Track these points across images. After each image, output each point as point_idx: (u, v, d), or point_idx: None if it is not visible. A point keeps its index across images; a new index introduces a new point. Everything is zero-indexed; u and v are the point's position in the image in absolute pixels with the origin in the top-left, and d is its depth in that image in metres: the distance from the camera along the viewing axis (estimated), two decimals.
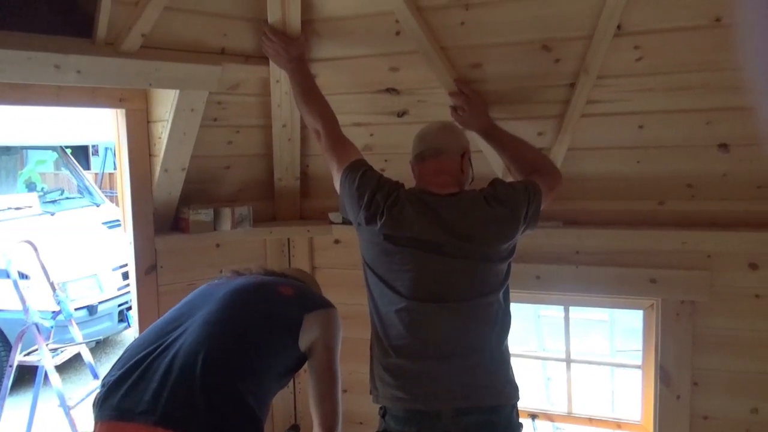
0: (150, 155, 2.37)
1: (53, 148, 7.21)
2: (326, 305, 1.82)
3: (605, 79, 2.09)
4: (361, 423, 2.71)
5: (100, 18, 1.89)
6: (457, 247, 1.74)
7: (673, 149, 2.19)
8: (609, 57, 2.01)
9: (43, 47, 1.83)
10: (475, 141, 2.19)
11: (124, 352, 1.56)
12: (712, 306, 2.26)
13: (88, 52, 1.90)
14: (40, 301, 4.03)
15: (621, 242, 2.34)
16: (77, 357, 4.00)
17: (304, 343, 1.68)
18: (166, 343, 1.52)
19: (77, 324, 3.95)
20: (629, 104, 2.13)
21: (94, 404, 1.47)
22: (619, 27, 1.95)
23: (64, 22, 2.12)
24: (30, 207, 5.61)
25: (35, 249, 3.93)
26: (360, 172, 1.86)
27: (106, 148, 11.60)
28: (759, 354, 2.23)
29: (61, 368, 4.09)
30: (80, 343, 3.82)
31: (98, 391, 1.49)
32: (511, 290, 1.86)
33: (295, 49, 2.18)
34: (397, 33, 2.18)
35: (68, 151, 7.29)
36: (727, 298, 2.25)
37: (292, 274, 2.04)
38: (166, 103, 2.23)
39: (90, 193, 6.57)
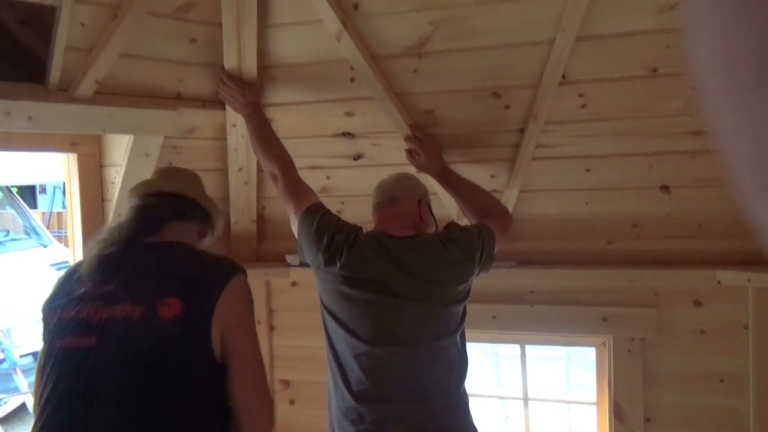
0: (102, 200, 2.34)
1: None
2: (227, 273, 1.44)
3: (553, 125, 2.18)
4: None
5: (53, 64, 1.88)
6: (414, 289, 1.76)
7: (619, 191, 2.29)
8: (555, 104, 2.11)
9: None
10: (431, 184, 2.24)
11: None
12: (660, 342, 2.33)
13: (39, 98, 1.88)
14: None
15: (572, 281, 2.41)
16: (22, 407, 3.83)
17: (219, 350, 1.37)
18: None
19: (22, 372, 3.79)
20: (576, 148, 2.22)
21: None
22: (564, 76, 2.04)
23: (16, 67, 2.10)
24: None
25: None
26: (318, 215, 1.87)
27: (55, 187, 11.27)
28: (706, 388, 2.31)
29: (5, 420, 3.90)
30: (25, 393, 3.66)
31: None
32: (468, 330, 1.89)
33: (251, 94, 2.21)
34: (352, 79, 2.23)
35: (14, 189, 7.08)
36: (674, 334, 2.32)
37: (170, 200, 1.63)
38: (120, 148, 2.21)
39: (37, 234, 6.38)
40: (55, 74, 1.90)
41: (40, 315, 1.50)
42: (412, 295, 1.76)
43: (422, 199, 1.96)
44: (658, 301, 2.34)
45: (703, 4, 0.27)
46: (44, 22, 1.93)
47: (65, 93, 1.94)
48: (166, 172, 1.80)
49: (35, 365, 4.75)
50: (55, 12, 1.80)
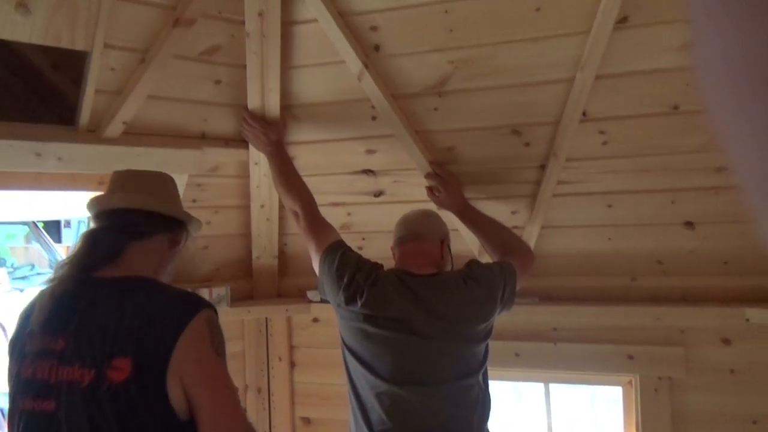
0: None
1: (24, 222, 7.13)
2: (184, 317, 1.26)
3: (574, 162, 2.17)
4: None
5: (83, 106, 1.93)
6: (435, 329, 1.75)
7: (642, 227, 2.26)
8: (576, 141, 2.11)
9: (24, 135, 1.85)
10: (451, 220, 2.24)
11: None
12: (688, 382, 2.28)
13: (69, 140, 1.93)
14: (4, 383, 3.88)
15: (597, 318, 2.37)
16: None
17: (183, 405, 1.25)
18: None
19: None
20: (597, 185, 2.21)
21: None
22: (584, 114, 2.05)
23: (48, 109, 2.17)
24: None
25: (3, 330, 3.83)
26: (339, 253, 1.88)
27: (79, 221, 11.45)
28: (737, 429, 2.23)
29: None
30: None
31: None
32: (490, 368, 1.87)
33: (274, 133, 2.24)
34: (373, 118, 2.26)
35: (39, 224, 7.21)
36: (702, 373, 2.27)
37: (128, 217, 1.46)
38: None
39: None
40: (84, 116, 1.95)
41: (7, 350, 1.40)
42: (433, 334, 1.74)
43: (444, 239, 1.97)
44: (686, 340, 2.29)
45: (710, 11, 0.28)
46: (75, 66, 1.99)
47: (94, 134, 1.99)
48: (121, 181, 1.53)
49: None
50: (86, 57, 1.86)
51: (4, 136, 1.81)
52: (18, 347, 1.34)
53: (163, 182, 1.57)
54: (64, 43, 1.78)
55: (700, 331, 2.28)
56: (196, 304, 1.31)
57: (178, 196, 1.65)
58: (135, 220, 1.44)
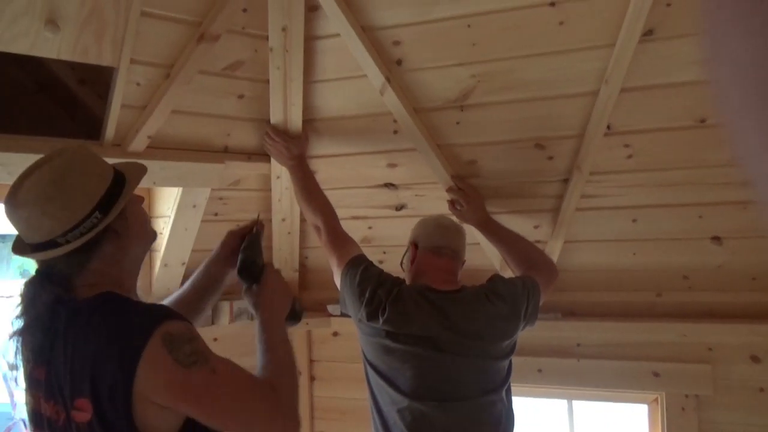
0: (150, 250, 2.38)
1: None
2: (140, 341, 1.13)
3: (598, 175, 2.15)
4: None
5: (109, 121, 1.95)
6: (459, 345, 1.73)
7: (668, 242, 2.23)
8: (600, 155, 2.09)
9: (49, 150, 1.87)
10: (473, 233, 2.22)
11: None
12: (716, 400, 2.23)
13: None
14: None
15: (621, 334, 2.34)
16: None
17: (161, 423, 1.17)
18: None
19: None
20: (622, 199, 2.18)
21: None
22: (608, 127, 2.03)
23: (74, 123, 2.20)
24: None
25: None
26: (361, 267, 1.87)
27: None
28: None
29: None
30: None
31: None
32: (513, 384, 1.85)
33: (296, 147, 2.25)
34: (395, 132, 2.26)
35: None
36: (731, 391, 2.22)
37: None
38: (168, 199, 2.27)
39: None
40: (110, 131, 1.97)
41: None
42: (456, 350, 1.73)
43: (464, 261, 1.96)
44: (713, 357, 2.25)
45: (727, 19, 0.28)
46: (101, 80, 2.02)
47: (119, 148, 2.01)
48: (9, 212, 1.23)
49: None
50: (112, 72, 1.88)
51: (32, 151, 1.83)
52: (24, 359, 1.29)
53: (57, 179, 1.22)
54: (91, 59, 1.80)
55: (728, 348, 2.24)
56: (148, 326, 1.15)
57: (83, 171, 1.26)
58: (56, 266, 1.23)
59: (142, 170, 1.40)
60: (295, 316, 1.60)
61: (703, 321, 2.23)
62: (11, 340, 1.26)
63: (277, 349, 1.39)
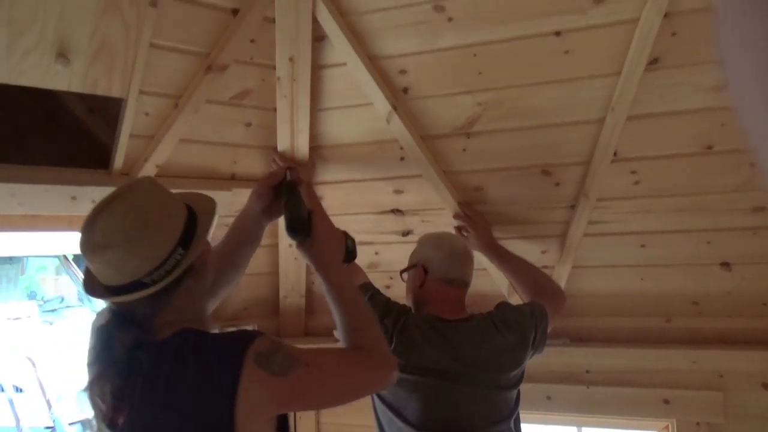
0: None
1: (55, 255, 7.26)
2: (233, 377, 1.12)
3: (605, 201, 2.15)
4: None
5: (117, 151, 1.97)
6: (467, 376, 1.72)
7: (677, 267, 2.22)
8: (607, 181, 2.08)
9: (60, 180, 1.89)
10: (480, 259, 2.22)
11: None
12: (728, 428, 2.20)
13: (103, 183, 1.96)
14: (33, 417, 3.91)
15: (631, 361, 2.31)
16: None
17: None
18: None
19: None
20: (630, 224, 2.17)
21: None
22: (615, 153, 2.03)
23: (82, 152, 2.22)
24: (29, 317, 5.57)
25: (33, 364, 3.87)
26: (367, 296, 1.86)
27: None
28: None
29: None
30: None
31: None
32: (521, 411, 1.83)
33: (303, 174, 2.25)
34: (402, 158, 2.26)
35: (70, 256, 7.33)
36: (742, 420, 2.19)
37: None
38: None
39: (90, 300, 6.54)
40: (119, 160, 1.98)
41: None
42: (464, 381, 1.71)
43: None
44: (724, 384, 2.22)
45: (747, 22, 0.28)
46: (111, 110, 2.04)
47: (127, 177, 2.03)
48: (89, 248, 1.17)
49: None
50: (121, 102, 1.90)
51: (42, 181, 1.85)
52: (98, 405, 1.21)
53: (138, 217, 1.17)
54: (101, 91, 1.82)
55: (739, 375, 2.21)
56: (238, 354, 1.14)
57: (162, 206, 1.23)
58: (136, 307, 1.19)
59: (211, 202, 1.39)
60: (350, 255, 1.63)
61: (714, 347, 2.21)
62: (86, 390, 1.20)
63: (346, 300, 1.41)
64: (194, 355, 1.17)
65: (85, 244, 1.17)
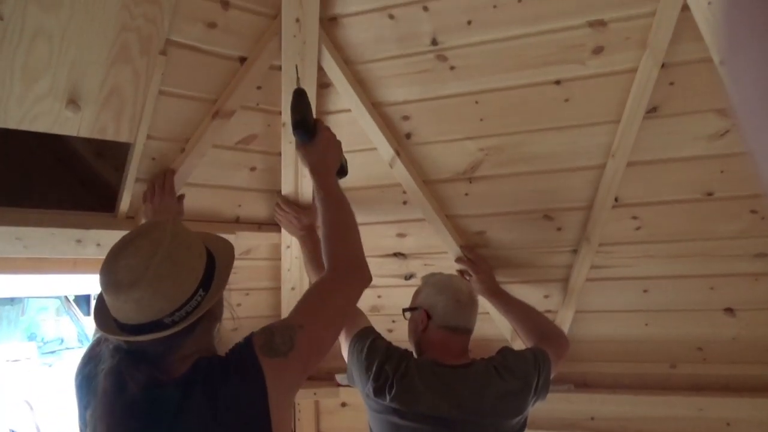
0: None
1: (56, 296, 7.23)
2: (258, 378, 1.18)
3: (607, 246, 2.15)
4: None
5: (123, 194, 1.99)
6: (468, 423, 1.69)
7: (680, 313, 2.21)
8: (609, 226, 2.09)
9: (66, 223, 1.91)
10: (483, 303, 2.21)
11: None
12: None
13: (109, 227, 1.98)
14: None
15: (636, 408, 2.29)
16: None
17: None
18: None
19: None
20: (632, 270, 2.17)
21: None
22: (616, 199, 2.05)
23: (89, 195, 2.24)
24: (28, 359, 5.52)
25: (31, 408, 3.82)
26: (369, 340, 1.85)
27: None
28: None
29: None
30: None
31: None
32: None
33: (306, 218, 2.27)
34: (404, 202, 2.28)
35: (71, 297, 7.30)
36: None
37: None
38: None
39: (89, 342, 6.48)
40: (124, 203, 2.00)
41: None
42: (466, 428, 1.69)
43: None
44: None
45: (747, 24, 0.29)
46: (118, 153, 2.07)
47: (132, 221, 2.04)
48: (113, 282, 1.14)
49: None
50: (129, 146, 1.93)
51: (47, 224, 1.87)
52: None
53: (167, 254, 1.15)
54: (109, 136, 1.85)
55: (746, 424, 2.18)
56: (253, 358, 1.18)
57: (187, 247, 1.21)
58: (148, 346, 1.17)
59: (228, 245, 1.38)
60: (342, 171, 1.75)
61: (720, 395, 2.19)
62: None
63: (333, 204, 1.58)
64: (221, 378, 1.18)
65: (108, 281, 1.14)
